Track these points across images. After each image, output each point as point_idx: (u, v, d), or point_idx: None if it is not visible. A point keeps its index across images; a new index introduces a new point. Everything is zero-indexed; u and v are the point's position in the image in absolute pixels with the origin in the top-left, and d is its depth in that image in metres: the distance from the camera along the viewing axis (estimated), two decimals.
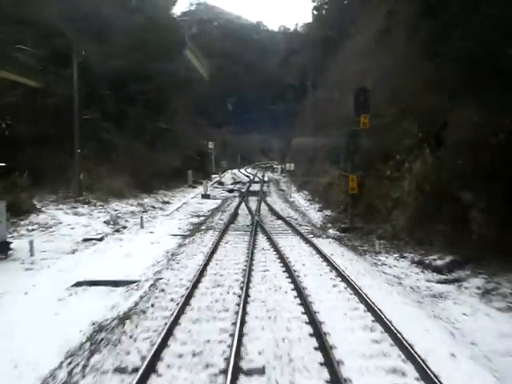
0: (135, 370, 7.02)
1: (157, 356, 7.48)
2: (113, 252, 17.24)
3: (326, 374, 6.98)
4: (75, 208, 24.79)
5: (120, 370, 7.16)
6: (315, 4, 78.97)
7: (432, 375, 6.71)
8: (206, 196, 36.73)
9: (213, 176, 58.07)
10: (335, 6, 59.11)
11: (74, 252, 17.48)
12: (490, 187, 13.98)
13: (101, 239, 19.56)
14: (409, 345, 7.69)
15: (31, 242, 16.69)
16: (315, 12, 79.38)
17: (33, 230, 20.72)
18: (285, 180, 54.00)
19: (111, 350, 8.08)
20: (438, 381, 6.58)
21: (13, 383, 7.44)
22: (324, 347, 7.69)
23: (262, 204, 30.60)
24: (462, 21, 15.21)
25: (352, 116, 20.42)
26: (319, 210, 28.15)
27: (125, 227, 22.69)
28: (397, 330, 8.28)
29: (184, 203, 32.51)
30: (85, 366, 7.57)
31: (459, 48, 14.83)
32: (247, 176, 64.06)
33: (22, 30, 27.22)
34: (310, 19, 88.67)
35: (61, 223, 21.94)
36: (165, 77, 43.32)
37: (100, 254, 16.90)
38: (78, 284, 12.75)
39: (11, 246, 16.47)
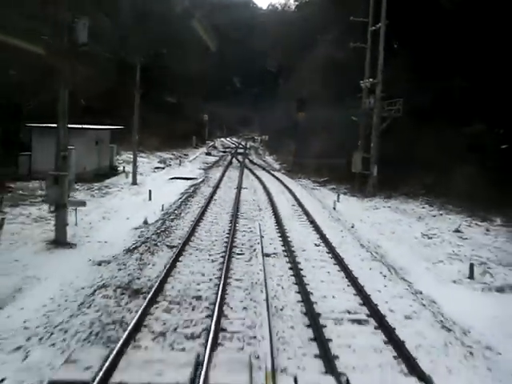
0: (214, 187, 25.80)
1: (217, 187, 26.34)
2: (174, 172, 35.65)
3: (267, 196, 25.60)
4: (137, 154, 42.82)
5: (209, 187, 25.98)
6: (297, 3, 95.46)
7: (292, 194, 25.37)
8: (208, 154, 55.30)
9: (207, 142, 75.97)
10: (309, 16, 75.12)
11: (154, 172, 35.82)
12: (344, 156, 32.66)
13: (163, 168, 37.99)
14: (293, 194, 26.04)
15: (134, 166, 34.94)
16: (296, 10, 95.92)
17: (121, 162, 38.88)
18: (262, 148, 72.75)
19: (203, 186, 26.87)
20: (294, 195, 25.18)
21: (169, 196, 25.70)
22: (267, 190, 26.35)
23: (246, 159, 49.35)
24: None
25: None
26: (279, 164, 47.08)
27: (170, 165, 41.07)
28: (293, 192, 26.81)
29: (196, 156, 50.99)
30: (195, 190, 26.16)
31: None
32: (233, 143, 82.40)
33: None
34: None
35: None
36: (175, 61, 59.26)
37: (168, 173, 35.28)
38: (171, 179, 31.22)
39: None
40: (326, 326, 8.34)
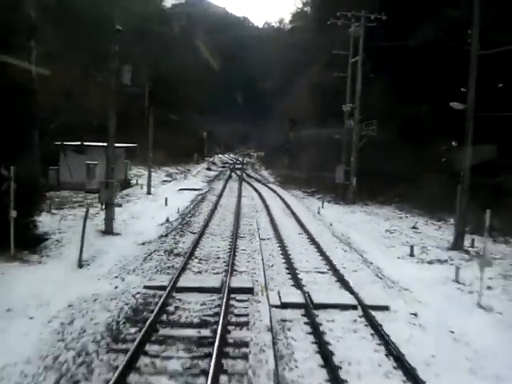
0: (218, 196, 30.68)
1: (220, 196, 31.23)
2: (180, 184, 40.51)
3: (262, 202, 30.40)
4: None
5: (214, 195, 30.84)
6: (291, 25, 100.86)
7: (284, 201, 30.25)
8: (208, 169, 60.25)
9: (206, 158, 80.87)
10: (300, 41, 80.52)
11: (163, 184, 40.63)
12: (330, 170, 37.61)
13: (170, 181, 42.83)
14: (285, 202, 31.01)
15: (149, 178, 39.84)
16: (290, 30, 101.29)
17: (132, 176, 43.75)
18: (258, 163, 77.86)
19: (208, 195, 31.76)
20: (285, 202, 30.03)
21: (181, 202, 30.58)
22: (263, 198, 31.21)
23: (244, 173, 54.37)
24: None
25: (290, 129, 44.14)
26: (274, 177, 52.08)
27: (176, 178, 45.95)
28: (285, 200, 31.73)
29: (198, 171, 55.93)
30: (202, 198, 31.02)
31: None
32: (231, 160, 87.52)
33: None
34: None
35: (145, 174, 44.97)
36: (178, 80, 64.41)
37: (176, 184, 40.13)
38: (180, 190, 36.08)
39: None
40: (299, 274, 13.14)
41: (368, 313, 10.21)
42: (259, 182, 44.75)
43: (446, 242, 20.42)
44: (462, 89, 19.31)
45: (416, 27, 27.27)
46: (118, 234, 18.43)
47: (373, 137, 32.80)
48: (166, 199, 27.64)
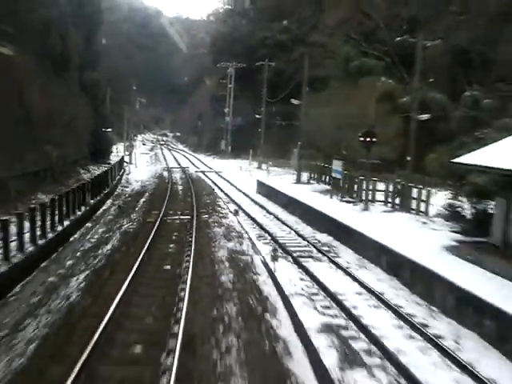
0: (162, 155, 62.71)
1: (163, 154, 63.14)
2: (136, 151, 71.38)
3: (185, 157, 62.51)
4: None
5: (161, 155, 62.90)
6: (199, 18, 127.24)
7: (195, 157, 62.49)
8: (144, 144, 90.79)
9: (134, 137, 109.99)
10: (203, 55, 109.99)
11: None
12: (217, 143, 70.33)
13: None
14: (196, 157, 63.04)
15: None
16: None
17: None
18: (175, 141, 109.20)
19: (157, 154, 63.72)
20: (196, 157, 62.23)
21: (147, 157, 61.91)
22: (185, 156, 63.27)
23: (168, 146, 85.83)
24: None
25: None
26: (188, 148, 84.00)
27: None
28: (196, 156, 63.89)
29: (139, 145, 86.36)
30: (156, 156, 62.70)
31: None
32: (154, 138, 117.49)
33: None
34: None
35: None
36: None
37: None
38: (141, 153, 67.18)
39: None
40: (198, 168, 45.74)
41: (217, 172, 43.22)
42: (180, 150, 76.66)
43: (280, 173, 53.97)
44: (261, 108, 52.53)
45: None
46: (134, 164, 49.81)
47: (240, 126, 65.81)
48: (141, 155, 59.00)
